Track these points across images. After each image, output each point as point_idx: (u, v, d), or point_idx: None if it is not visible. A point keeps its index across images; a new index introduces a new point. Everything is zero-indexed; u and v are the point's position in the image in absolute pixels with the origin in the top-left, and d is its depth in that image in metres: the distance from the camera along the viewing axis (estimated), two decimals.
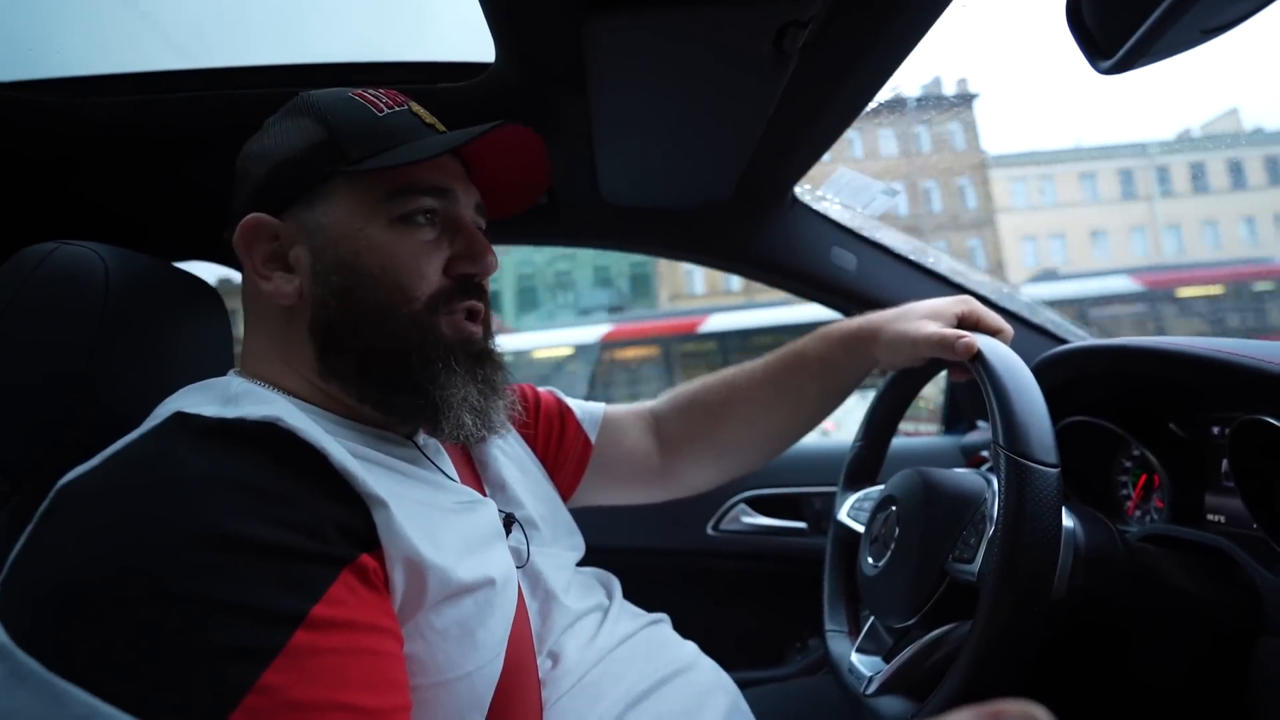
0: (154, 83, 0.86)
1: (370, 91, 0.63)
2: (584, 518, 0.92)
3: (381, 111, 0.61)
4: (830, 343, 0.86)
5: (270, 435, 0.47)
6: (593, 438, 0.89)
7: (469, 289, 0.62)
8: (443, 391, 0.58)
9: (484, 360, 0.63)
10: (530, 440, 0.84)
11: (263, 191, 0.60)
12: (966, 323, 0.78)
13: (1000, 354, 0.66)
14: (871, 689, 0.68)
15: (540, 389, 0.91)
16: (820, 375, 0.87)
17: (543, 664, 0.60)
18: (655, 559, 1.36)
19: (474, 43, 0.80)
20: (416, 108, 0.64)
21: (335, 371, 0.58)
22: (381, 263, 0.58)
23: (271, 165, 0.60)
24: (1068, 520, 0.64)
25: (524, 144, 0.65)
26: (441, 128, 0.64)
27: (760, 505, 1.39)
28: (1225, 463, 0.74)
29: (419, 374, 0.58)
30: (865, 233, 1.18)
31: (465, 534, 0.55)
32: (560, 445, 0.87)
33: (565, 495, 0.86)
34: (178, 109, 0.87)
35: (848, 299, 1.19)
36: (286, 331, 0.59)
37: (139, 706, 0.36)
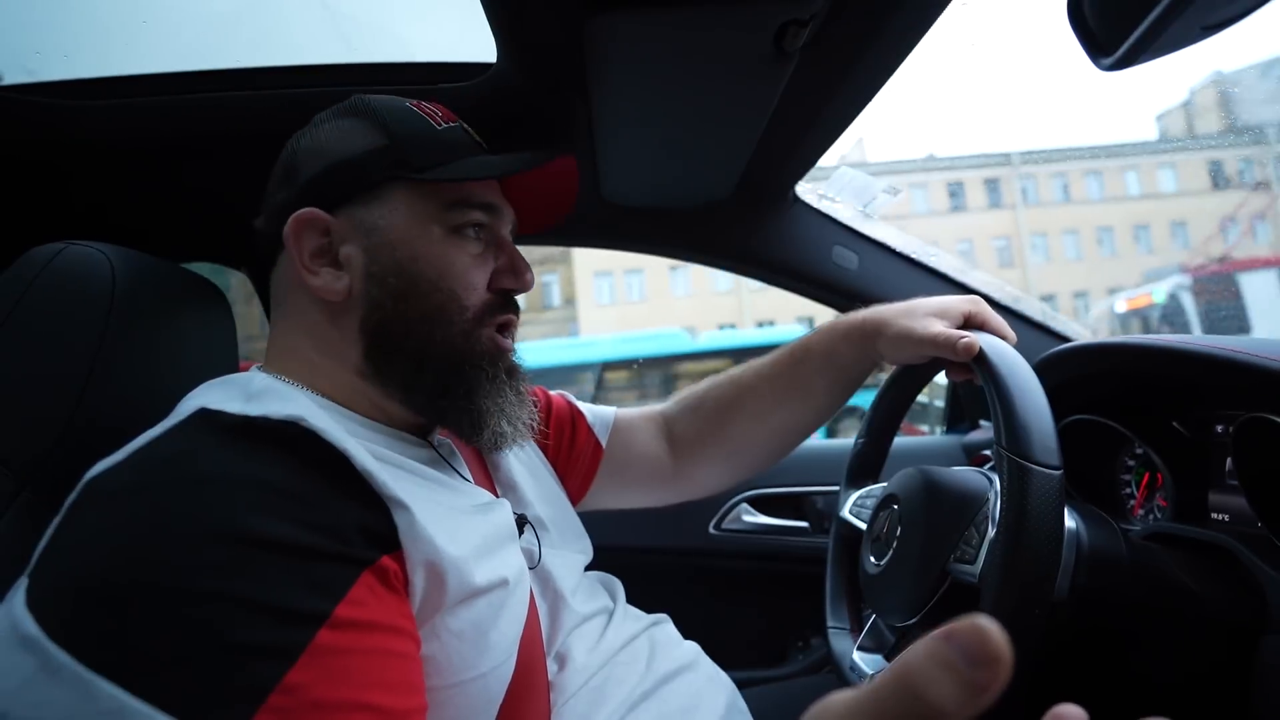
0: (157, 85, 0.87)
1: (425, 104, 0.65)
2: (586, 517, 0.92)
3: (440, 125, 0.63)
4: (834, 336, 0.85)
5: (293, 435, 0.48)
6: (604, 441, 0.89)
7: (507, 303, 0.65)
8: (488, 400, 0.61)
9: (515, 373, 0.66)
10: (542, 444, 0.84)
11: (316, 187, 0.60)
12: (973, 323, 0.77)
13: (1004, 355, 0.66)
14: None
15: (551, 393, 0.91)
16: (825, 370, 0.86)
17: (550, 666, 0.61)
18: (657, 558, 1.36)
19: (476, 43, 0.81)
20: (467, 126, 0.66)
21: (383, 371, 0.59)
22: (439, 270, 0.60)
23: (328, 162, 0.60)
24: (1071, 520, 0.64)
25: (561, 170, 0.68)
26: (485, 147, 0.67)
27: (762, 504, 1.39)
28: (1229, 461, 0.74)
29: (470, 381, 0.61)
30: (867, 231, 1.18)
31: (483, 535, 0.55)
32: (572, 449, 0.87)
33: (576, 499, 0.86)
34: (181, 111, 0.88)
35: (850, 298, 1.18)
36: (329, 328, 0.60)
37: (166, 701, 0.36)
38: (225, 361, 0.76)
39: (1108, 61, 0.43)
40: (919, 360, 0.79)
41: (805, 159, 1.02)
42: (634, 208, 1.12)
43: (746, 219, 1.14)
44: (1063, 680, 0.76)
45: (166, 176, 0.98)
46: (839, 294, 1.19)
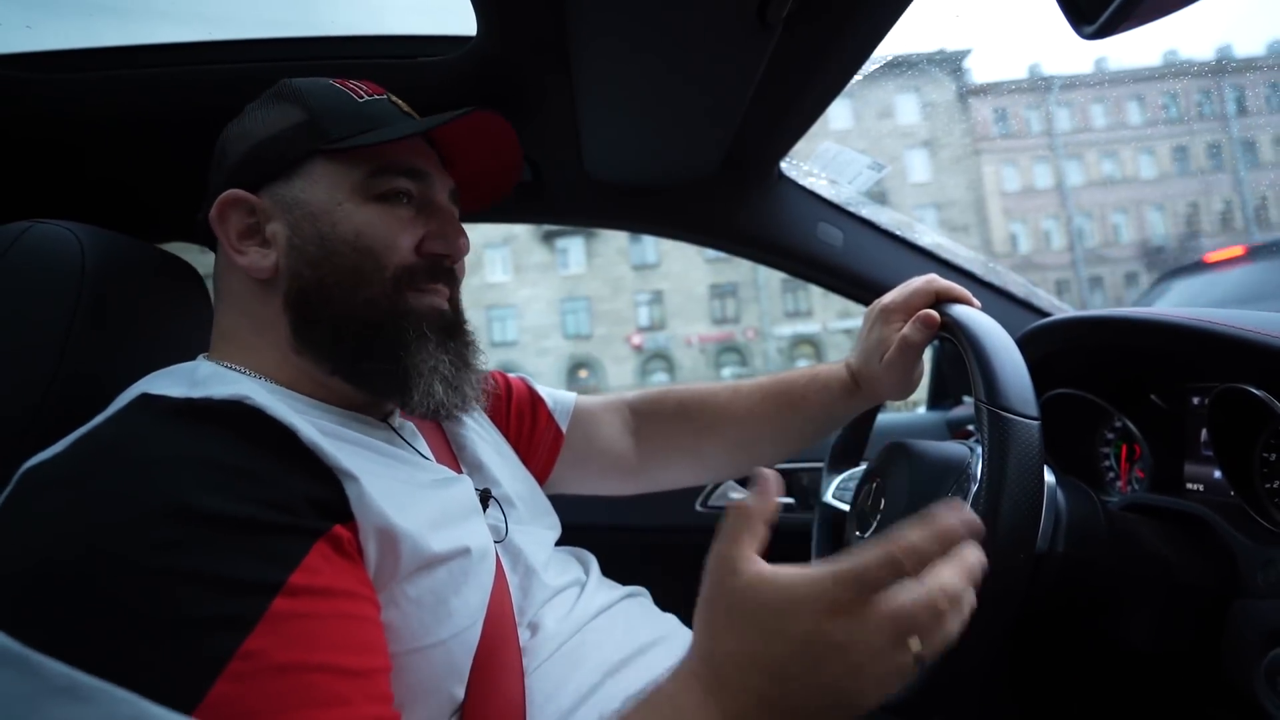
0: (126, 59, 0.84)
1: (351, 81, 0.64)
2: (577, 495, 0.92)
3: (361, 98, 0.63)
4: (832, 395, 0.86)
5: (238, 413, 0.48)
6: (564, 428, 0.89)
7: (439, 271, 0.63)
8: (413, 359, 0.59)
9: (455, 333, 0.64)
10: (502, 427, 0.84)
11: (241, 169, 0.60)
12: (941, 298, 0.77)
13: (974, 318, 0.67)
14: None
15: (510, 375, 0.91)
16: (820, 421, 0.89)
17: (522, 634, 0.61)
18: (644, 536, 1.37)
19: (456, 16, 0.79)
20: (395, 99, 0.65)
21: (309, 342, 0.59)
22: (357, 230, 0.59)
23: (251, 144, 0.61)
24: (1052, 482, 0.65)
25: (497, 132, 0.67)
26: (418, 117, 0.65)
27: (748, 482, 1.39)
28: (1204, 432, 0.75)
29: (392, 339, 0.59)
30: (851, 208, 1.17)
31: (440, 507, 0.56)
32: (532, 434, 0.88)
33: (540, 482, 0.86)
34: (151, 86, 0.85)
35: (834, 275, 1.18)
36: (260, 306, 0.60)
37: (120, 676, 0.36)
38: (203, 341, 0.75)
39: (1089, 29, 0.43)
40: (915, 362, 0.80)
41: (791, 134, 1.01)
42: (619, 184, 1.11)
43: (732, 195, 1.13)
44: (1042, 645, 0.77)
45: (136, 153, 0.96)
46: (824, 271, 1.18)
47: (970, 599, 0.41)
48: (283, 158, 0.60)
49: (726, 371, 24.50)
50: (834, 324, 24.31)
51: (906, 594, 0.39)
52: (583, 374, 24.39)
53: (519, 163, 0.72)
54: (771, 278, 24.49)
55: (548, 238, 24.97)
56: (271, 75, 0.65)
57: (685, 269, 25.17)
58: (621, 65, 0.77)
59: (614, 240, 24.84)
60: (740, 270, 24.82)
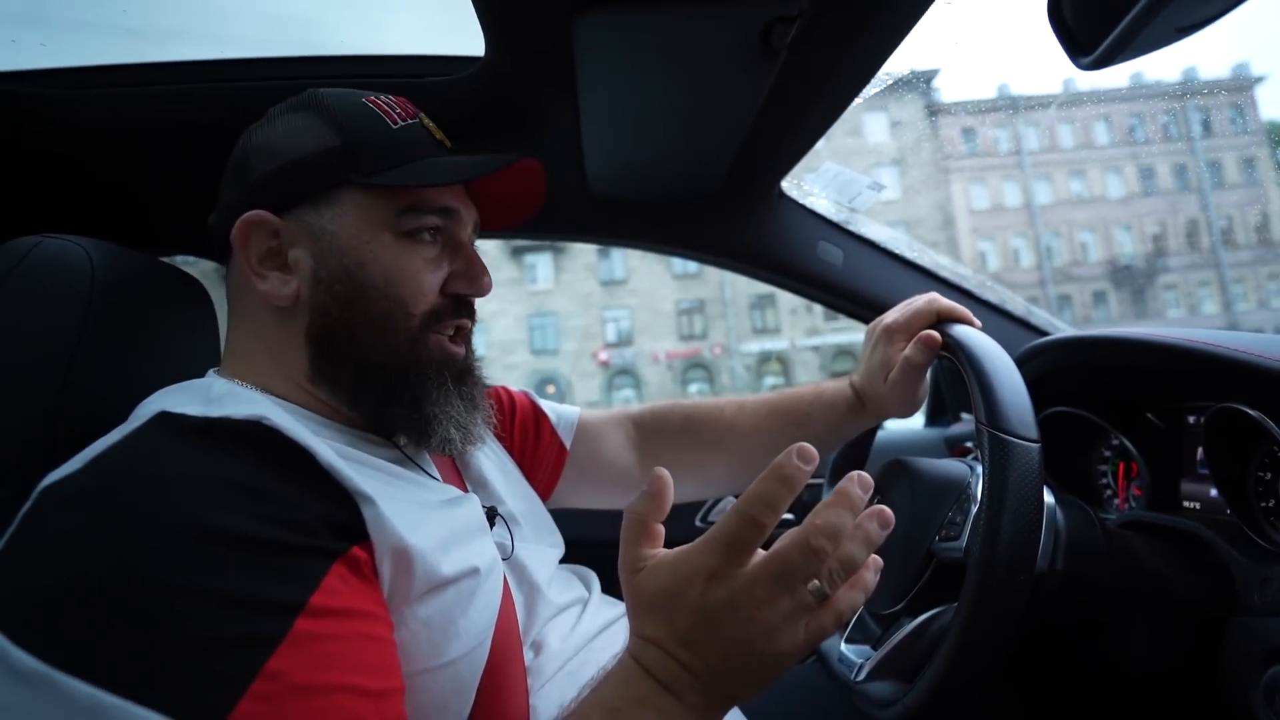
0: (140, 75, 0.86)
1: (383, 98, 0.63)
2: (575, 510, 0.92)
3: (396, 124, 0.61)
4: (838, 413, 0.87)
5: (256, 434, 0.48)
6: (567, 443, 0.90)
7: (461, 308, 0.64)
8: (434, 407, 0.61)
9: (466, 378, 0.65)
10: (506, 443, 0.84)
11: (266, 187, 0.59)
12: (941, 318, 0.78)
13: (976, 339, 0.68)
14: (862, 676, 0.69)
15: (514, 390, 0.91)
16: (828, 441, 0.89)
17: (526, 654, 0.61)
18: None
19: (464, 37, 0.80)
20: (427, 121, 0.65)
21: (329, 377, 0.59)
22: (386, 276, 0.59)
23: (279, 163, 0.59)
24: (1051, 500, 0.66)
25: (526, 170, 0.67)
26: (448, 143, 0.65)
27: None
28: (1200, 450, 0.76)
29: (415, 388, 0.60)
30: (851, 227, 1.19)
31: (450, 527, 0.56)
32: (536, 449, 0.88)
33: (544, 497, 0.87)
34: (164, 102, 0.86)
35: (834, 294, 1.20)
36: (278, 332, 0.59)
37: (147, 696, 0.36)
38: (208, 357, 0.75)
39: (1086, 61, 0.44)
40: (919, 382, 0.80)
41: (792, 154, 1.02)
42: (621, 201, 1.12)
43: (732, 214, 1.14)
44: (1041, 662, 0.77)
45: (144, 168, 0.96)
46: (824, 289, 1.20)
47: (866, 530, 0.44)
48: (312, 184, 0.59)
49: (693, 388, 24.32)
50: (802, 341, 24.25)
51: (778, 543, 0.44)
52: (550, 390, 24.06)
53: (540, 197, 0.72)
54: (739, 295, 24.48)
55: (516, 253, 24.68)
56: (280, 94, 0.66)
57: (653, 285, 24.94)
58: (627, 86, 0.79)
59: (582, 256, 24.68)
60: (708, 287, 24.70)
